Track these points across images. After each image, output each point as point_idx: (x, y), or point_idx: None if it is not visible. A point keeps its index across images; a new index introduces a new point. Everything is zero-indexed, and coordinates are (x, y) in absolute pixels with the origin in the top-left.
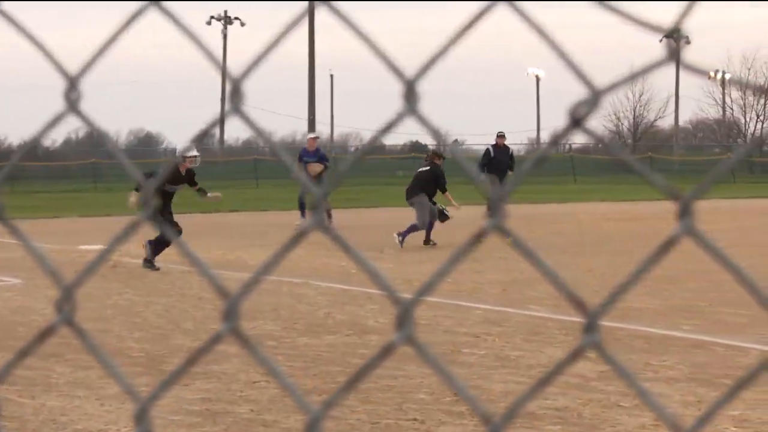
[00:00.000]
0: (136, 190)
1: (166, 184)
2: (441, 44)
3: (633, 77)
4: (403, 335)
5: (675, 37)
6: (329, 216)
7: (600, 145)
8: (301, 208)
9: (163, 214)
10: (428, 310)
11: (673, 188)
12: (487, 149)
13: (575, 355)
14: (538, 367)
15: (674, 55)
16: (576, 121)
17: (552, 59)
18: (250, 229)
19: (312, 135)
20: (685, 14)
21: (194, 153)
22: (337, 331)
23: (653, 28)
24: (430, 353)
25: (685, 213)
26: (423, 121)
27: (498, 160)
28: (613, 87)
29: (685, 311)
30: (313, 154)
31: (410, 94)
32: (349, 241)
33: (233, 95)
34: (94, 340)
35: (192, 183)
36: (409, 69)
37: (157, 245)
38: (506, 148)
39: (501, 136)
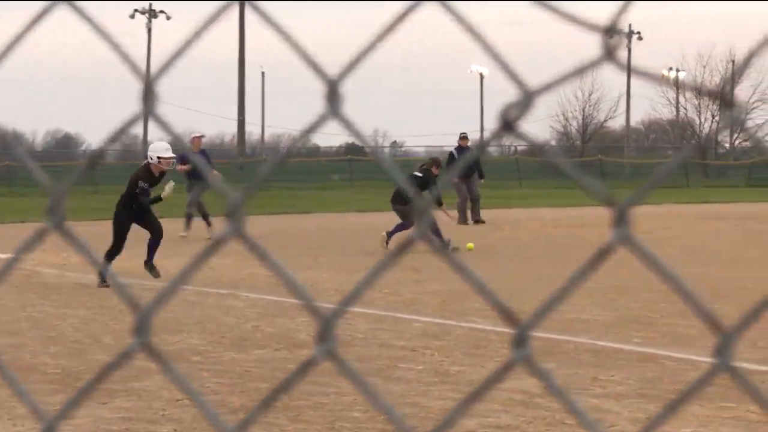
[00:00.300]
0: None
1: (140, 185)
2: (366, 42)
3: (566, 78)
4: (323, 350)
5: (618, 35)
6: (208, 222)
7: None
8: (205, 217)
9: (147, 215)
10: (365, 323)
11: (608, 194)
12: (451, 152)
13: (504, 371)
14: (479, 383)
15: (610, 54)
16: (507, 123)
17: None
18: (177, 236)
19: (196, 134)
20: (620, 13)
21: (170, 154)
22: (266, 345)
23: (590, 26)
24: (352, 369)
25: (620, 221)
26: (346, 123)
27: None
28: (546, 88)
29: (636, 323)
30: (199, 155)
31: (333, 95)
32: (280, 249)
33: (146, 96)
34: (2, 356)
35: None
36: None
37: (109, 257)
38: (469, 149)
39: (463, 137)
